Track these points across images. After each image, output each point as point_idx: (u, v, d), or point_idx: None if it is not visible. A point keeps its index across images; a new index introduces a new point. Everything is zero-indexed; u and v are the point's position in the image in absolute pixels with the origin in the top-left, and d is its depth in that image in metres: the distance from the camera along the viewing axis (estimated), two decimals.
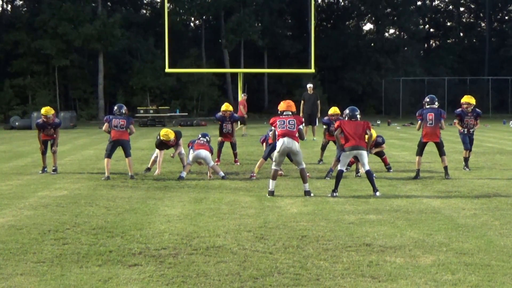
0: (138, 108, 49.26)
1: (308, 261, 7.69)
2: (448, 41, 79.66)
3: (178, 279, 6.98)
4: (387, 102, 64.55)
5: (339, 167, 13.43)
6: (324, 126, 18.65)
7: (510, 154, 21.51)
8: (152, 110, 47.69)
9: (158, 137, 16.57)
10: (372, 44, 73.03)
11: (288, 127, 12.93)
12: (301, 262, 7.64)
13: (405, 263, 7.59)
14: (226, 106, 19.18)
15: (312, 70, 42.08)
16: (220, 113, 19.09)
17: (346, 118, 13.75)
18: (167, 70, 40.69)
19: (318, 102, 28.82)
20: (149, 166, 16.93)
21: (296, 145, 12.88)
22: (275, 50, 67.54)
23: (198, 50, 64.39)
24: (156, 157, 16.73)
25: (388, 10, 74.10)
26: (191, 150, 16.07)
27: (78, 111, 56.53)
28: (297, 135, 12.97)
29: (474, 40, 78.77)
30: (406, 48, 72.48)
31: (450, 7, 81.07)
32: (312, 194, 12.78)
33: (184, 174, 15.73)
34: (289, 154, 13.37)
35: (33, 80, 56.38)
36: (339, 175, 13.11)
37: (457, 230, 9.37)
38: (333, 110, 18.20)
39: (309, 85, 29.74)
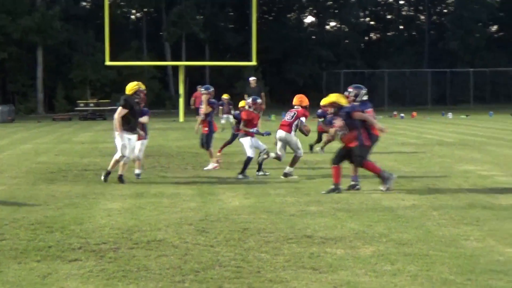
0: (78, 101, 48.58)
1: (250, 253, 7.70)
2: (388, 34, 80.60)
3: (119, 273, 6.92)
4: (328, 94, 64.82)
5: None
6: (320, 119, 18.57)
7: (449, 145, 21.87)
8: (92, 104, 47.09)
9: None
10: (313, 37, 73.54)
11: (287, 118, 14.51)
12: (242, 254, 7.65)
13: (345, 254, 7.66)
14: (243, 103, 18.69)
15: (254, 62, 42.23)
16: (237, 111, 18.35)
17: None
18: (108, 63, 40.34)
19: (262, 94, 28.75)
20: (109, 168, 13.87)
21: (283, 134, 14.35)
22: (217, 43, 67.40)
23: (139, 43, 63.99)
24: (121, 157, 13.68)
25: (329, 3, 74.72)
26: None
27: (17, 104, 55.55)
28: (293, 126, 14.34)
29: (414, 33, 79.84)
30: (347, 41, 73.10)
31: (390, 0, 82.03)
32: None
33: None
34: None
35: None
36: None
37: (397, 221, 9.49)
38: (326, 100, 17.84)
39: (252, 78, 29.57)
